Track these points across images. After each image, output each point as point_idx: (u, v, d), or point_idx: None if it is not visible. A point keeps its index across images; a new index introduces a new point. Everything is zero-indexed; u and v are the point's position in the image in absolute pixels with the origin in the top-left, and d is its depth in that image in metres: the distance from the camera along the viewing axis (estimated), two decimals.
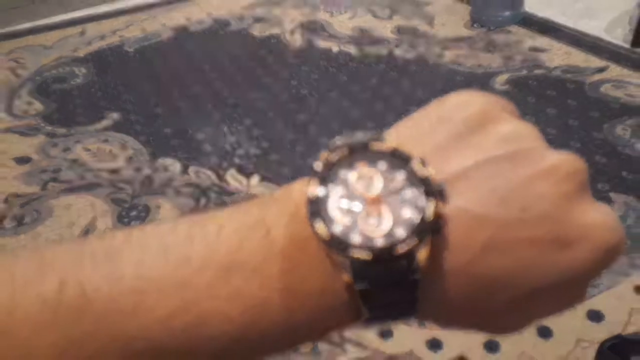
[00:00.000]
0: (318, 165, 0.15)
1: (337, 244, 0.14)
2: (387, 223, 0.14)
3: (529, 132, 0.17)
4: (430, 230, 0.15)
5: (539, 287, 0.15)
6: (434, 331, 0.76)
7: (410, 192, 0.15)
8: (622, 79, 1.28)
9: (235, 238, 0.16)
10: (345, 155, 0.15)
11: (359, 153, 0.15)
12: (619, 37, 1.45)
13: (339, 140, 0.16)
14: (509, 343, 0.74)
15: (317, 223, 0.15)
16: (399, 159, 0.15)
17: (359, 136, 0.16)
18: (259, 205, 0.16)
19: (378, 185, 0.15)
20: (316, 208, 0.15)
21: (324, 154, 0.16)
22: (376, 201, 0.15)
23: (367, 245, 0.14)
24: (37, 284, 0.15)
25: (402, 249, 0.14)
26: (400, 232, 0.14)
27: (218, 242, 0.16)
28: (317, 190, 0.15)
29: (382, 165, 0.15)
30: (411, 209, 0.15)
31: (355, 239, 0.14)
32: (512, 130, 0.17)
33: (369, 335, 0.76)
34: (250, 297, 0.15)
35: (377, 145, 0.16)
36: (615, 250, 0.16)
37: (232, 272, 0.15)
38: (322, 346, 0.76)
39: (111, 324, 0.15)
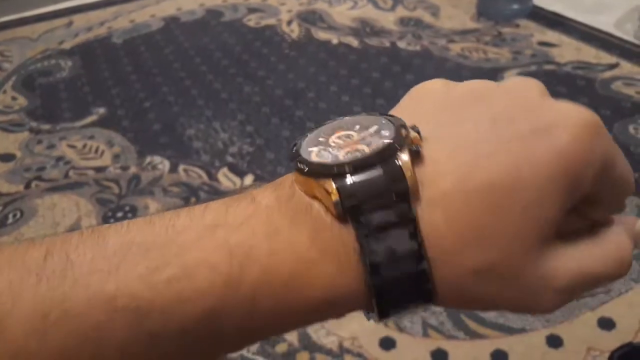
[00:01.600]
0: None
1: (318, 170, 0.14)
2: (365, 149, 0.15)
3: (488, 84, 0.18)
4: (405, 141, 0.15)
5: (537, 188, 0.14)
6: (439, 341, 0.73)
7: (384, 132, 0.16)
8: (634, 76, 1.27)
9: (222, 207, 0.16)
10: (323, 126, 0.17)
11: (334, 124, 0.17)
12: (629, 33, 1.43)
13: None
14: (518, 353, 0.72)
15: (299, 161, 0.15)
16: (371, 117, 0.16)
17: None
18: (248, 189, 0.17)
19: (354, 138, 0.16)
20: (297, 155, 0.16)
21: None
22: (353, 143, 0.16)
23: (348, 159, 0.15)
24: (23, 255, 0.15)
25: (380, 149, 0.14)
26: (378, 144, 0.15)
27: (204, 214, 0.16)
28: (299, 148, 0.16)
29: (357, 126, 0.16)
30: (386, 137, 0.15)
31: (336, 159, 0.15)
32: (473, 85, 0.18)
33: (369, 346, 0.73)
34: (237, 244, 0.15)
35: (347, 117, 0.17)
36: (594, 128, 0.16)
37: (218, 228, 0.15)
38: (320, 357, 0.74)
39: (90, 284, 0.15)
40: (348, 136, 0.16)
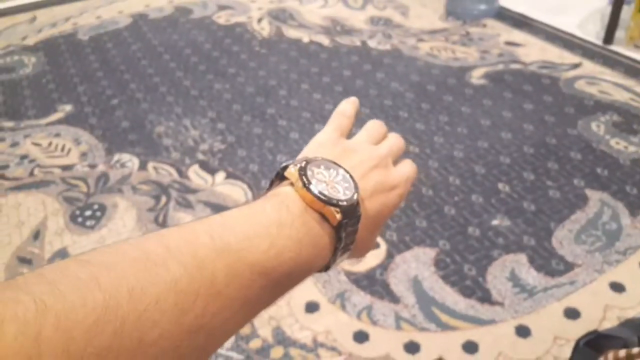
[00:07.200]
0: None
1: (332, 202, 0.26)
2: (339, 189, 0.27)
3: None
4: (357, 190, 0.28)
5: (385, 217, 0.31)
6: (411, 334, 0.74)
7: (345, 183, 0.28)
8: (595, 75, 1.30)
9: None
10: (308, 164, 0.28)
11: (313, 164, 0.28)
12: (591, 34, 1.46)
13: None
14: (487, 343, 0.73)
15: (328, 198, 0.27)
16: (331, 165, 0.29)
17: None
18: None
19: (327, 179, 0.28)
20: (310, 183, 0.27)
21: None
22: (330, 182, 0.27)
23: (345, 199, 0.27)
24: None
25: (354, 199, 0.28)
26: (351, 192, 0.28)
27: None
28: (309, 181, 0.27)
29: (327, 170, 0.28)
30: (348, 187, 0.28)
31: (339, 198, 0.27)
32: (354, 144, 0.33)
33: (343, 340, 0.73)
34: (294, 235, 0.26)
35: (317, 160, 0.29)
36: (410, 183, 0.33)
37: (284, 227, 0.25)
38: (294, 351, 0.73)
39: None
40: (324, 175, 0.28)
